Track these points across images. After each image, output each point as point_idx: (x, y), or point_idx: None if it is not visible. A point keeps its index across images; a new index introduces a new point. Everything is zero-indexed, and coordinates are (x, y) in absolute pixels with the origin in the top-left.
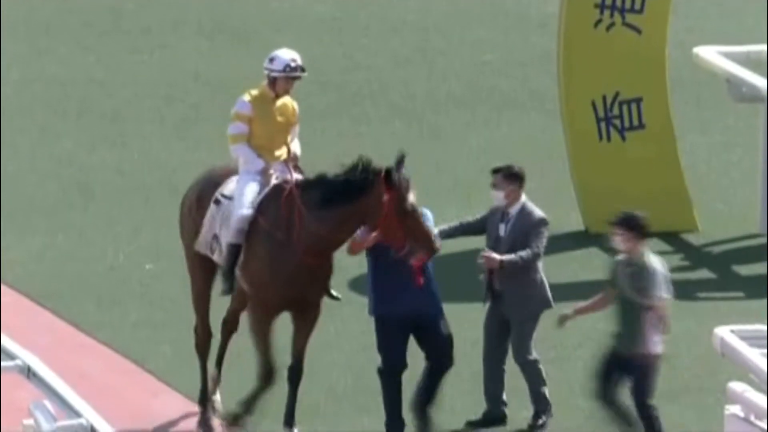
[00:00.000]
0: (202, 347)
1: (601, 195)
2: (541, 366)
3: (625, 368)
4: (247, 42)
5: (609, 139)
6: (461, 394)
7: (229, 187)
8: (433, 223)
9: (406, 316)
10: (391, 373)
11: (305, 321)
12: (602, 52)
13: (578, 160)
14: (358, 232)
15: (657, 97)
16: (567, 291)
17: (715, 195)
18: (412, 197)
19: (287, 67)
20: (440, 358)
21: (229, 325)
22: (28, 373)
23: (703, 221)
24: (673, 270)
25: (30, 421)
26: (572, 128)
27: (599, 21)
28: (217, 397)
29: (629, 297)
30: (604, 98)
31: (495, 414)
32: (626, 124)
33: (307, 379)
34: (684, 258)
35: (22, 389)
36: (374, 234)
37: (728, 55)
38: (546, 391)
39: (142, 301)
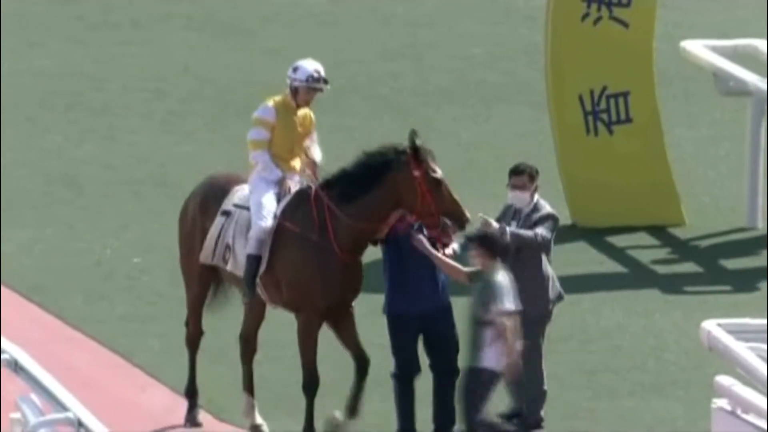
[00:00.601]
0: (192, 342)
1: (588, 189)
2: (543, 379)
3: (464, 381)
4: (236, 36)
5: (596, 133)
6: None
7: (239, 195)
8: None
9: (420, 315)
10: (405, 377)
11: (348, 319)
12: (589, 46)
13: (566, 154)
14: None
15: (644, 91)
16: None
17: (702, 189)
18: (438, 168)
19: (310, 78)
20: (445, 362)
21: (250, 345)
22: (15, 366)
23: (690, 215)
24: (659, 263)
25: (17, 415)
26: (560, 122)
27: (586, 15)
28: (259, 420)
29: (474, 312)
30: (592, 92)
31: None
32: (613, 118)
33: (291, 373)
34: (671, 252)
35: (10, 383)
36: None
37: (715, 49)
38: (540, 410)
39: (130, 295)
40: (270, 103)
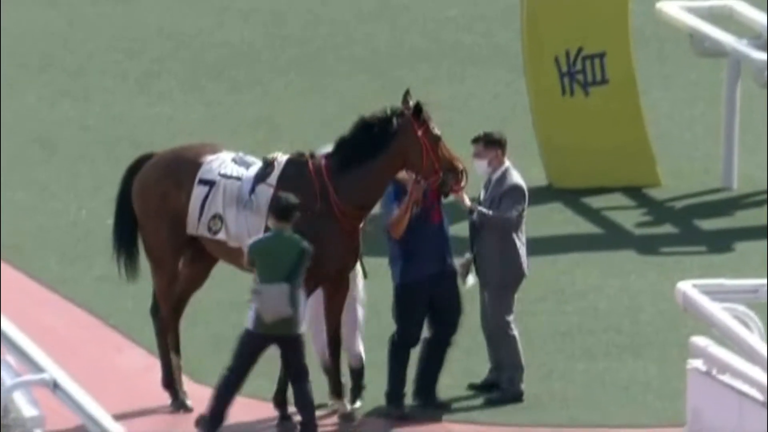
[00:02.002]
0: (167, 328)
1: (564, 150)
2: (517, 346)
3: None
4: None
5: (572, 94)
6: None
7: (221, 165)
8: None
9: (428, 278)
10: (405, 346)
11: (343, 287)
12: (565, 7)
13: (541, 115)
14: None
15: (620, 52)
16: (531, 246)
17: (677, 150)
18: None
19: None
20: (441, 331)
21: (180, 309)
22: None
23: (666, 176)
24: (635, 224)
25: None
26: (535, 83)
27: None
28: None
29: None
30: (568, 53)
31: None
32: (589, 79)
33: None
34: (647, 213)
35: None
36: (404, 203)
37: (691, 10)
38: (519, 381)
39: (105, 256)
40: None
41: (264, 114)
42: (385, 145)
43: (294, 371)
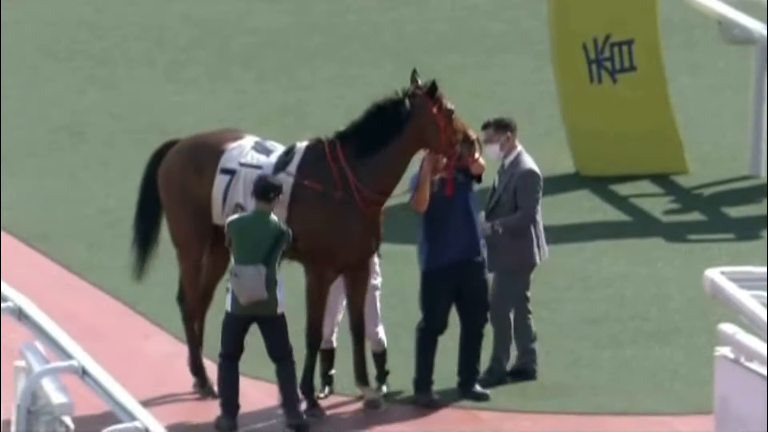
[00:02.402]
0: (193, 314)
1: (591, 137)
2: (510, 331)
3: None
4: None
5: (600, 81)
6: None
7: (241, 153)
8: None
9: (455, 264)
10: (431, 333)
11: (363, 274)
12: None
13: (569, 102)
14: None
15: (648, 39)
16: (558, 233)
17: (705, 137)
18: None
19: None
20: (472, 318)
21: (209, 298)
22: (20, 314)
23: (694, 163)
24: (663, 212)
25: (22, 363)
26: (563, 70)
27: None
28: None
29: None
30: (595, 40)
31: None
32: (617, 66)
33: (290, 323)
34: (674, 200)
35: (15, 331)
36: (424, 173)
37: None
38: (505, 363)
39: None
40: None
41: (291, 101)
42: (402, 128)
43: (274, 350)
